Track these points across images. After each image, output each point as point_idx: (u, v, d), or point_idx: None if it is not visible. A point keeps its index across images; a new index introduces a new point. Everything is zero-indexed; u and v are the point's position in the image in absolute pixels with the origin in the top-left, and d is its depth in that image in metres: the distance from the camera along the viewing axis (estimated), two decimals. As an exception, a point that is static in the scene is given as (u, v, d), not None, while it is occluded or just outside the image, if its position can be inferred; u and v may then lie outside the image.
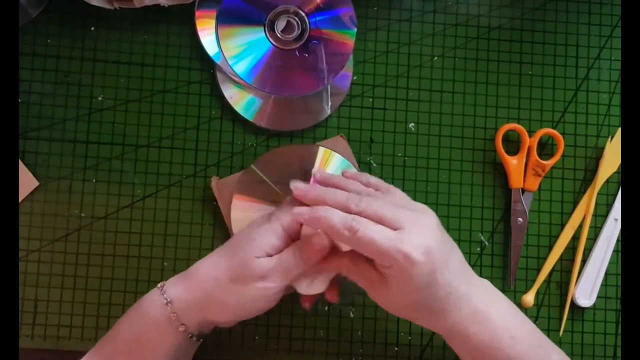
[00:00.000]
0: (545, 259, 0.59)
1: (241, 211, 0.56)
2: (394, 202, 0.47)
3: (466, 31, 0.61)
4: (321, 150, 0.57)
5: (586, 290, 0.59)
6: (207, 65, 0.59)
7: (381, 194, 0.49)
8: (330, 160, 0.57)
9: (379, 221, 0.43)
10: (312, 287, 0.49)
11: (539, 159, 0.59)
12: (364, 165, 0.59)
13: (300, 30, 0.58)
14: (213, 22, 0.58)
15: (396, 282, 0.44)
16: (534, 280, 0.59)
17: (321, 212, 0.44)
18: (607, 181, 0.60)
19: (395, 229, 0.43)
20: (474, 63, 0.61)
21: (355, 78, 0.60)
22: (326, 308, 0.57)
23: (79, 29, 0.58)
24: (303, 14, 0.58)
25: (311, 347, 0.57)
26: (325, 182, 0.50)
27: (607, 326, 0.59)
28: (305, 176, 0.56)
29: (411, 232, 0.43)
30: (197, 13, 0.58)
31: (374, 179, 0.51)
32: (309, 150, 0.57)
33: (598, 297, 0.59)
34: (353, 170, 0.56)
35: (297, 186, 0.47)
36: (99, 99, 0.58)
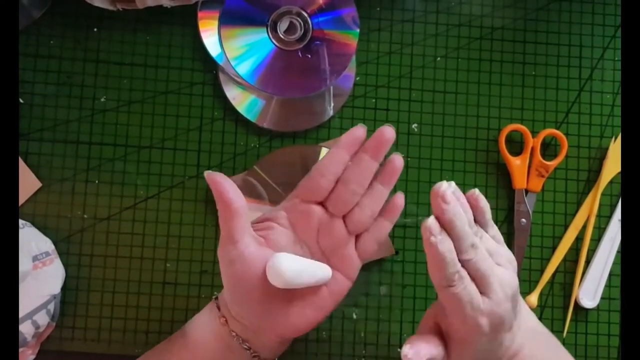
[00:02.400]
0: (548, 260, 0.59)
1: (244, 212, 0.56)
2: (491, 248, 0.43)
3: (469, 32, 0.61)
4: (324, 151, 0.57)
5: (590, 291, 0.59)
6: (210, 66, 0.59)
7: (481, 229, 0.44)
8: (333, 161, 0.57)
9: (477, 278, 0.41)
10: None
11: (542, 159, 0.59)
12: (366, 166, 0.59)
13: (302, 31, 0.58)
14: (216, 23, 0.58)
15: (462, 342, 0.43)
16: (537, 282, 0.59)
17: (446, 248, 0.40)
18: (611, 182, 0.60)
19: (482, 292, 0.41)
20: (477, 64, 0.61)
21: (358, 79, 0.60)
22: (329, 309, 0.57)
23: (81, 30, 0.58)
24: (306, 15, 0.58)
25: (314, 348, 0.57)
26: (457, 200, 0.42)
27: (611, 327, 0.59)
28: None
29: (493, 303, 0.41)
30: (200, 14, 0.58)
31: (487, 214, 0.45)
32: (311, 151, 0.57)
33: (602, 298, 0.58)
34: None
35: (445, 193, 0.40)
36: (102, 100, 0.58)
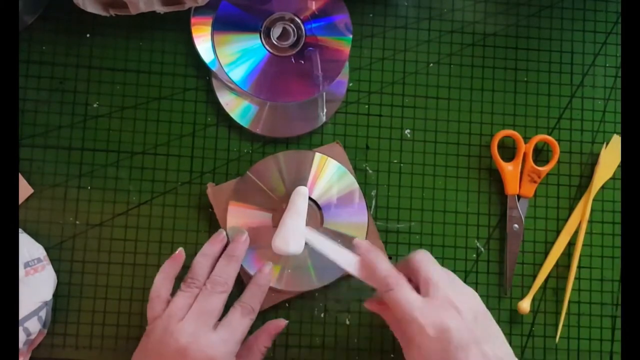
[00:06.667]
0: (541, 265, 0.59)
1: (237, 218, 0.56)
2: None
3: (461, 38, 0.61)
4: (317, 156, 0.57)
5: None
6: (203, 72, 0.59)
7: None
8: (326, 167, 0.57)
9: (416, 279, 0.47)
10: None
11: (534, 165, 0.59)
12: (360, 172, 0.59)
13: (296, 37, 0.58)
14: (209, 29, 0.58)
15: (410, 344, 0.45)
16: (530, 287, 0.59)
17: (374, 255, 0.49)
18: (603, 187, 0.60)
19: (426, 295, 0.45)
20: (470, 70, 0.61)
21: (350, 85, 0.60)
22: (322, 315, 0.57)
23: (74, 36, 0.58)
24: (299, 21, 0.58)
25: (307, 354, 0.57)
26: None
27: (604, 332, 0.59)
28: (300, 183, 0.56)
29: (437, 305, 0.44)
30: (193, 20, 0.58)
31: None
32: (305, 156, 0.57)
33: (594, 303, 0.59)
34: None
35: (361, 242, 0.50)
36: (94, 105, 0.58)
